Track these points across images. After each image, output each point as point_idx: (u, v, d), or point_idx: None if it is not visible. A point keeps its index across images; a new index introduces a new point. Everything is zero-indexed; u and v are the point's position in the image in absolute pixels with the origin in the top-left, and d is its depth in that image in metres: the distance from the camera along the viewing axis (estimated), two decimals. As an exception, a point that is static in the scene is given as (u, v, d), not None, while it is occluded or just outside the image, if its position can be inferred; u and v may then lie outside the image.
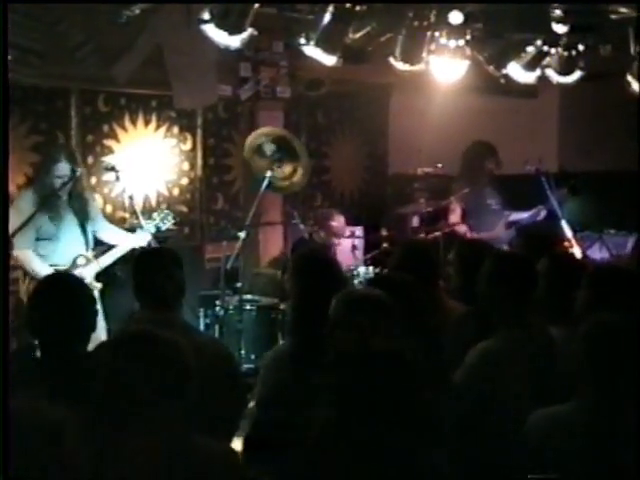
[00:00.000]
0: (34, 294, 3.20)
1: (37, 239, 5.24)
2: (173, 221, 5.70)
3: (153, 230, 5.58)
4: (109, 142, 6.87)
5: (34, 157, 6.28)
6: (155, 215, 5.68)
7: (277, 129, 6.87)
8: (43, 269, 5.11)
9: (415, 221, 7.42)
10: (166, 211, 5.76)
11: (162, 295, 3.45)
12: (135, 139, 7.09)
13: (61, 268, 5.23)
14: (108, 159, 6.37)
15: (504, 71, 6.33)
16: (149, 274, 3.52)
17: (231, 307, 6.04)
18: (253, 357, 5.88)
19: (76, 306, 3.05)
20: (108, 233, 5.61)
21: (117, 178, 5.78)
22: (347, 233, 7.00)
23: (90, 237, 5.44)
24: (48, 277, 3.82)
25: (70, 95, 6.63)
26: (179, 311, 3.53)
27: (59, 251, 5.30)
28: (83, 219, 5.39)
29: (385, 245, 6.95)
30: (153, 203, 7.26)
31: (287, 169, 6.48)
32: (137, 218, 5.69)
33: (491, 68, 6.32)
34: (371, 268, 6.66)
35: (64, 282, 3.29)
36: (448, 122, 7.87)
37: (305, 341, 3.25)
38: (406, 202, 7.50)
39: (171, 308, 3.47)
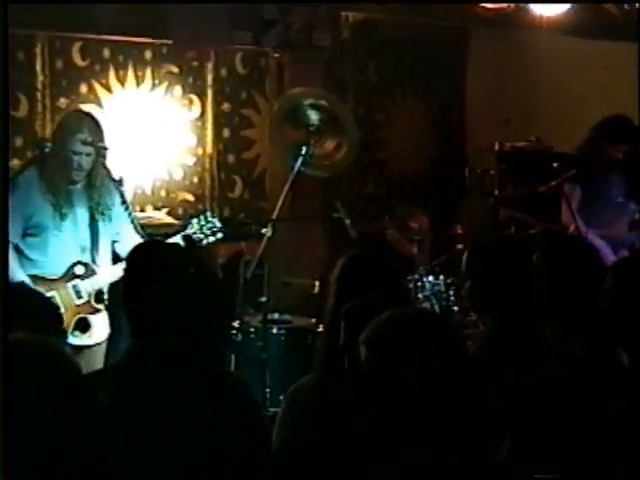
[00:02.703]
0: None
1: (25, 233, 5.08)
2: (221, 235, 5.53)
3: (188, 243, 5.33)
4: (88, 107, 6.78)
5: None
6: (195, 222, 5.46)
7: (314, 90, 6.83)
8: (17, 275, 4.94)
9: (503, 213, 7.30)
10: (210, 217, 5.52)
11: (178, 317, 3.25)
12: (123, 103, 7.15)
13: (51, 278, 5.07)
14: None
15: (627, 7, 6.27)
16: (145, 283, 3.39)
17: (252, 329, 6.03)
18: (282, 398, 5.81)
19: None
20: (129, 244, 5.07)
21: (99, 156, 5.69)
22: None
23: (102, 245, 5.26)
24: None
25: (35, 44, 6.71)
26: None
27: (54, 255, 5.12)
28: (99, 218, 5.22)
29: (459, 246, 6.90)
30: (147, 190, 7.24)
31: (328, 144, 6.43)
32: (127, 209, 5.56)
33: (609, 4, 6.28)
34: (441, 277, 6.63)
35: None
36: (547, 80, 7.78)
37: (339, 374, 3.24)
38: (489, 188, 7.46)
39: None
